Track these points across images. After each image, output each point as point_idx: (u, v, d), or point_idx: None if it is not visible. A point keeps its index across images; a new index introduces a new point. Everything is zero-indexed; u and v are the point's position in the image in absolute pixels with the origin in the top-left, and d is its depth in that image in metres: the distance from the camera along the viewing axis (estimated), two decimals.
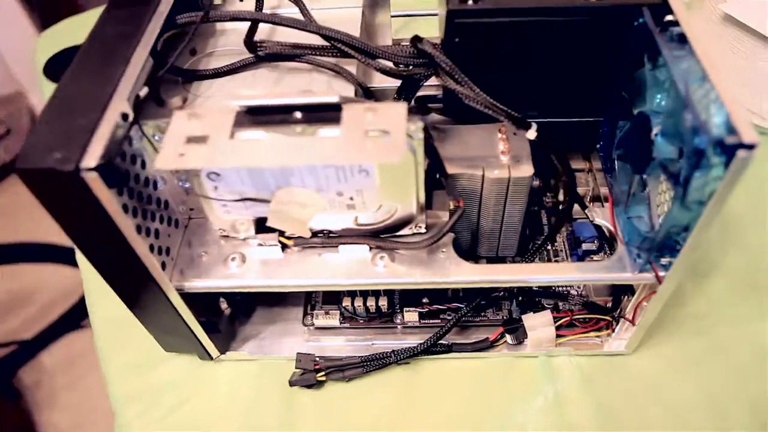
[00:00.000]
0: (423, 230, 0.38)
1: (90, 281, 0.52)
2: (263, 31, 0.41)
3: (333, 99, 0.31)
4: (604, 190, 0.45)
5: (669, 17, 0.34)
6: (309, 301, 0.47)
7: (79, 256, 0.53)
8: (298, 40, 0.39)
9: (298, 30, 0.39)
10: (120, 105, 0.31)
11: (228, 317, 0.46)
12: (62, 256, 1.18)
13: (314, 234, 0.38)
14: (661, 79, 0.35)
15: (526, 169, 0.37)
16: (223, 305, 0.47)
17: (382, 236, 0.38)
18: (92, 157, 0.28)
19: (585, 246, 0.46)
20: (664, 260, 0.36)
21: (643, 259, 0.36)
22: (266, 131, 0.31)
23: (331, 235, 0.38)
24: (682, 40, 0.33)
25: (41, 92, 0.76)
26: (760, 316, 0.46)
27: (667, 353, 0.45)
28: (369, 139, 0.30)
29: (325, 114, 0.31)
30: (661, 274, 0.36)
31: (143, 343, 0.44)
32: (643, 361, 0.44)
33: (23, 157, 0.29)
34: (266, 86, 0.39)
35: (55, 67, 0.74)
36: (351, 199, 0.35)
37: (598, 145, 0.43)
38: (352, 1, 0.44)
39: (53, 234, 1.25)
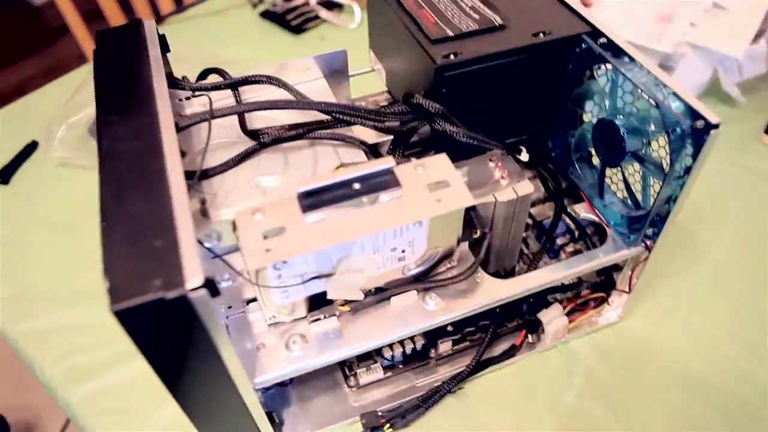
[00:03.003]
0: (454, 263, 0.42)
1: (96, 428, 0.47)
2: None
3: (389, 165, 0.33)
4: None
5: (602, 39, 0.42)
6: (344, 363, 0.47)
7: (75, 412, 0.49)
8: (283, 120, 0.41)
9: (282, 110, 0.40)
10: (187, 219, 0.30)
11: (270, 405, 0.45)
12: None
13: (366, 294, 0.40)
14: (603, 88, 0.43)
15: (528, 186, 0.43)
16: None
17: (423, 279, 0.41)
18: (194, 275, 0.28)
19: (559, 241, 0.52)
20: (648, 232, 0.44)
21: (636, 235, 0.43)
22: (333, 209, 0.33)
23: (379, 290, 0.40)
24: (617, 55, 0.41)
25: None
26: (691, 262, 0.57)
27: (646, 311, 0.53)
28: (433, 192, 0.33)
29: (379, 179, 0.34)
30: (649, 243, 0.44)
31: None
32: (634, 323, 0.52)
33: (117, 295, 0.27)
34: (277, 170, 0.40)
35: None
36: (402, 251, 0.37)
37: (553, 154, 0.50)
38: (315, 73, 0.47)
39: None
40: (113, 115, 0.36)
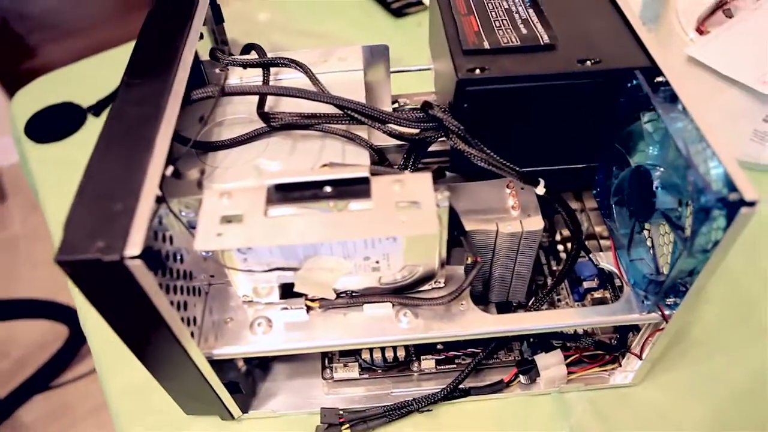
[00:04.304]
0: (441, 284, 0.40)
1: (101, 354, 0.52)
2: (271, 97, 0.43)
3: (363, 174, 0.32)
4: (598, 229, 0.48)
5: (659, 78, 0.37)
6: (326, 354, 0.48)
7: (89, 331, 0.53)
8: (308, 107, 0.41)
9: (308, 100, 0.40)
10: (152, 189, 0.32)
11: (246, 376, 0.47)
12: (34, 311, 1.16)
13: (338, 295, 0.39)
14: (652, 134, 0.38)
15: (537, 222, 0.39)
16: (239, 363, 0.47)
17: (404, 293, 0.40)
18: (135, 244, 0.29)
19: (586, 284, 0.48)
20: (669, 300, 0.39)
21: (651, 302, 0.39)
22: (299, 207, 0.32)
23: (354, 294, 0.39)
24: (673, 99, 0.36)
25: (21, 153, 0.75)
26: (751, 341, 0.49)
27: (670, 382, 0.47)
28: (400, 211, 0.31)
29: (354, 187, 0.33)
30: (668, 313, 0.39)
31: (162, 408, 0.45)
32: (649, 392, 0.47)
33: (65, 247, 0.29)
34: (281, 155, 0.40)
35: (38, 126, 0.73)
36: (377, 262, 0.36)
37: (594, 191, 0.46)
38: (354, 64, 0.46)
39: (22, 289, 1.22)
40: (135, 78, 0.38)
